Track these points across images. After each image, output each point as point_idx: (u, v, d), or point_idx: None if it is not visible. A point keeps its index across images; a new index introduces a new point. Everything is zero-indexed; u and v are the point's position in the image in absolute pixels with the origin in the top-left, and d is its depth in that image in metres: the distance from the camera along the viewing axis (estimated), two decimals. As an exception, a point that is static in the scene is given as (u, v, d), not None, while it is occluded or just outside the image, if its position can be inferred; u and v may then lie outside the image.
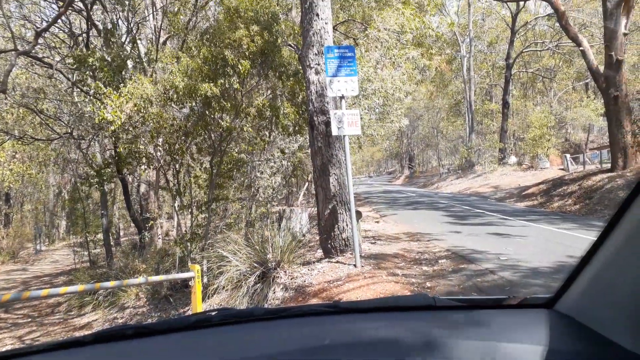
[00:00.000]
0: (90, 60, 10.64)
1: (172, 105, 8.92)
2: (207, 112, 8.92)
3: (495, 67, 41.47)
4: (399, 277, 5.97)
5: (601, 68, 15.78)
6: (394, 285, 5.41)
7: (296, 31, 10.47)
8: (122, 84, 9.60)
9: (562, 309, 1.31)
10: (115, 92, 8.50)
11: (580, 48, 16.53)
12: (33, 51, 13.13)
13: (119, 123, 8.16)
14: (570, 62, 36.42)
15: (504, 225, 11.18)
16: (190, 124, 9.14)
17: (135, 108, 8.22)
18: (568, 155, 26.42)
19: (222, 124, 8.99)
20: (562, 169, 25.60)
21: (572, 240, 8.46)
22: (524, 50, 36.07)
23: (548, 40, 35.17)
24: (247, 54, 8.75)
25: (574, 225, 10.76)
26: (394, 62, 14.56)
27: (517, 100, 39.99)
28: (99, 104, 8.86)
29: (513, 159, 32.91)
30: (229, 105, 9.00)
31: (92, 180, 12.59)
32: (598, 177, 15.20)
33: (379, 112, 16.07)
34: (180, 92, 8.49)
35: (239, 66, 8.42)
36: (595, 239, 1.16)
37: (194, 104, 9.00)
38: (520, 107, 39.34)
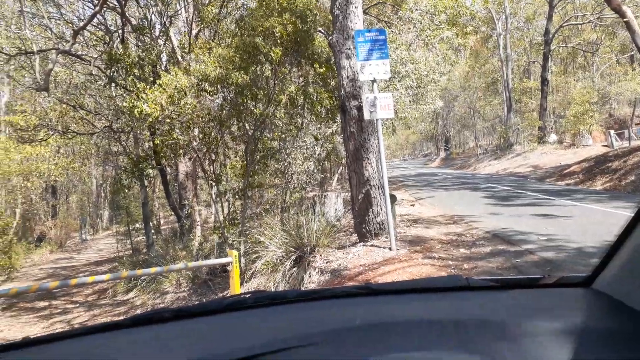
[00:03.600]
0: (122, 58, 10.90)
1: (206, 95, 9.05)
2: (240, 101, 9.01)
3: (533, 44, 40.02)
4: (436, 259, 5.93)
5: (647, 39, 15.03)
6: (430, 268, 5.38)
7: (329, 19, 10.42)
8: (156, 77, 9.81)
9: (600, 287, 1.28)
10: (149, 86, 8.70)
11: (624, 19, 15.76)
12: (72, 49, 13.55)
13: (156, 115, 8.35)
14: (613, 34, 34.75)
15: (544, 205, 10.90)
16: (224, 113, 9.26)
17: (170, 100, 8.38)
18: (612, 131, 25.39)
19: (255, 111, 9.06)
20: (606, 146, 24.64)
21: (617, 219, 8.18)
22: (563, 25, 34.61)
23: (589, 12, 33.64)
24: (279, 41, 8.76)
25: (618, 203, 10.38)
26: (427, 44, 14.28)
27: (557, 77, 38.53)
28: (136, 98, 9.08)
29: (553, 137, 31.85)
30: (262, 93, 9.07)
31: (133, 170, 12.98)
32: (645, 153, 14.59)
33: (413, 95, 15.82)
34: (213, 82, 8.60)
35: (271, 54, 8.45)
36: (634, 214, 1.12)
37: (226, 93, 9.10)
38: (560, 83, 37.89)
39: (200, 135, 9.44)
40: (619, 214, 8.79)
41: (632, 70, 33.65)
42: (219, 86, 8.82)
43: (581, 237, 6.82)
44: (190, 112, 8.62)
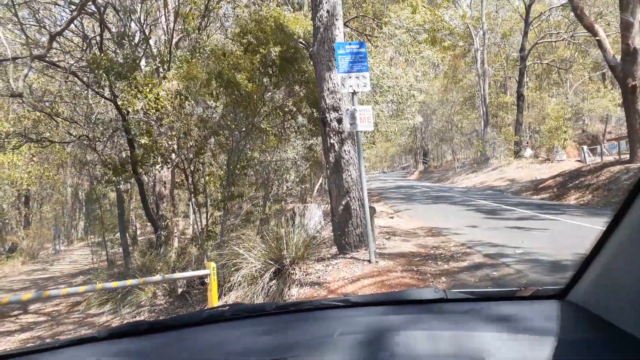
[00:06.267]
0: (107, 64, 10.82)
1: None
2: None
3: (509, 60, 40.92)
4: (414, 272, 5.95)
5: (618, 57, 15.49)
6: (408, 280, 5.40)
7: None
8: (135, 82, 9.76)
9: (574, 299, 1.30)
10: (133, 87, 8.78)
11: (596, 38, 16.24)
12: (48, 55, 13.30)
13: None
14: (586, 52, 35.74)
15: (520, 219, 11.06)
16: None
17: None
18: (585, 147, 26.05)
19: (241, 125, 9.24)
20: (579, 161, 25.24)
21: (590, 232, 8.34)
22: (538, 42, 35.52)
23: (563, 30, 34.61)
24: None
25: (591, 217, 10.61)
26: (407, 60, 14.49)
27: (532, 92, 39.42)
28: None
29: (529, 152, 32.49)
30: (255, 106, 9.33)
31: (109, 177, 12.74)
32: (616, 168, 14.95)
33: (393, 110, 15.98)
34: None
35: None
36: (605, 227, 1.15)
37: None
38: (535, 99, 38.75)
39: (192, 142, 9.39)
40: (591, 228, 8.97)
41: (604, 88, 34.63)
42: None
43: (555, 250, 6.92)
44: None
